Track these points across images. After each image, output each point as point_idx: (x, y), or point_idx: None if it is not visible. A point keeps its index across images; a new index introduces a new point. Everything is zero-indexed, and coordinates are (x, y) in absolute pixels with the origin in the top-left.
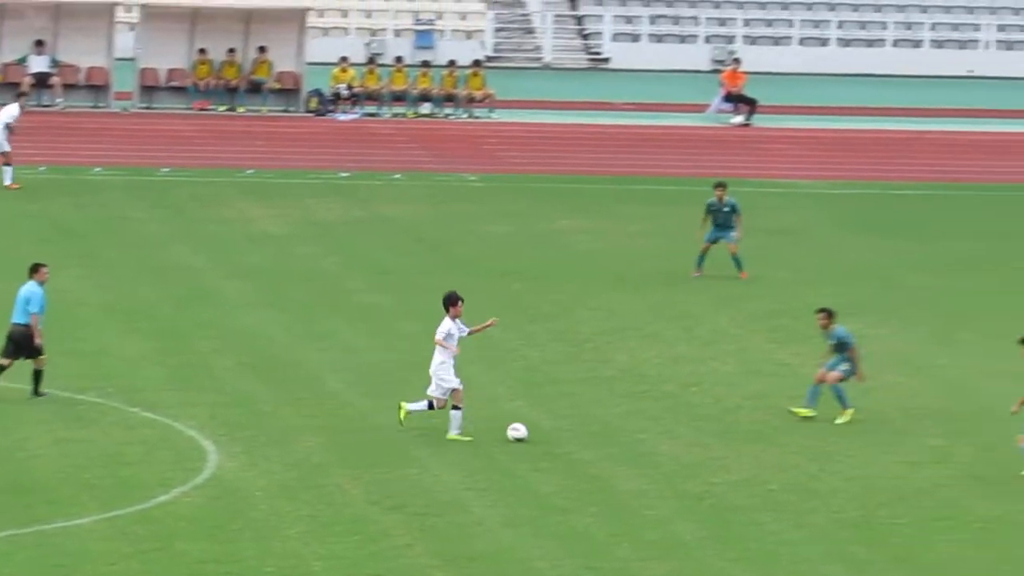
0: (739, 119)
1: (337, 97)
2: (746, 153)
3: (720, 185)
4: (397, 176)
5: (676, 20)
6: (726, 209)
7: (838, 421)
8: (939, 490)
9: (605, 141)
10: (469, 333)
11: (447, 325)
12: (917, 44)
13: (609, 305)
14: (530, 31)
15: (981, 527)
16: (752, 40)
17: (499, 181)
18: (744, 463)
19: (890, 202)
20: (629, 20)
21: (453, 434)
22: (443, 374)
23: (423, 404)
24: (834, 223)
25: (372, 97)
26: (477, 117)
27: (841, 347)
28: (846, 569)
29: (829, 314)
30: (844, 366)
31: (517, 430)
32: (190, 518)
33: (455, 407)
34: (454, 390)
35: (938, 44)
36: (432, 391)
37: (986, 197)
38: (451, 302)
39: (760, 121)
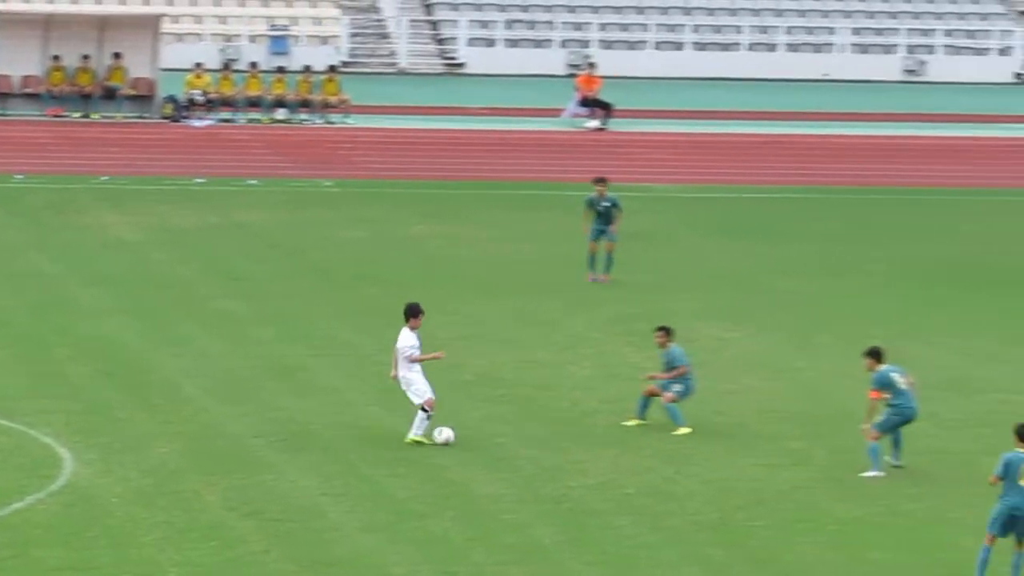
0: (594, 123)
1: (192, 103)
2: (602, 157)
3: (600, 181)
4: (252, 182)
5: (531, 25)
6: (606, 204)
7: (676, 433)
8: (797, 492)
9: (461, 146)
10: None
11: (412, 338)
12: (772, 48)
13: (465, 310)
14: (385, 36)
15: (838, 529)
16: (607, 44)
17: (355, 187)
18: (601, 467)
19: (745, 205)
20: (484, 25)
21: (415, 435)
22: (418, 387)
23: (421, 417)
24: (690, 227)
25: (227, 103)
26: (332, 123)
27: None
28: (703, 571)
29: (667, 332)
30: (677, 387)
31: (442, 433)
32: (46, 525)
33: (424, 409)
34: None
35: (793, 48)
36: (415, 400)
37: (840, 200)
38: (413, 313)
39: (615, 125)
